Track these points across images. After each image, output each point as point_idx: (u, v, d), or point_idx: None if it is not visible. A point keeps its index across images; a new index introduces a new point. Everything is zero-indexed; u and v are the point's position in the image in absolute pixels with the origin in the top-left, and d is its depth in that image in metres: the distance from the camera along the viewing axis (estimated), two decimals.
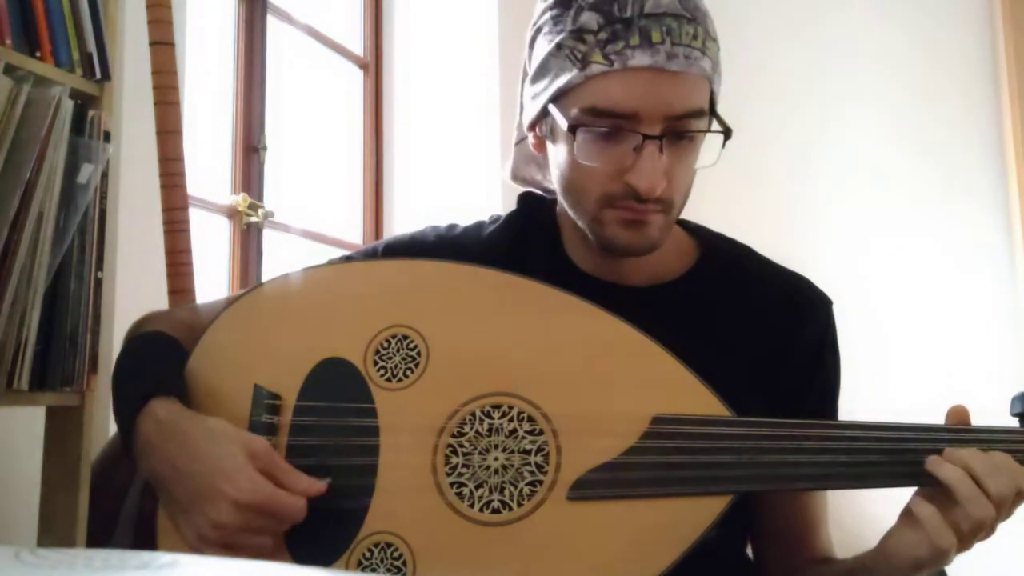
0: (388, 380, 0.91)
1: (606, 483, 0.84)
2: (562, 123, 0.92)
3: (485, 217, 1.12)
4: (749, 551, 1.08)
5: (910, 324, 2.63)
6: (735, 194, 2.47)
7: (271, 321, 0.97)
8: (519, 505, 0.85)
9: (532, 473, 0.86)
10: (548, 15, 0.94)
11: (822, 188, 2.78)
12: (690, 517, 0.83)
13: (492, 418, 0.88)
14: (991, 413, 0.92)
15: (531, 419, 0.88)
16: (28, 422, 1.12)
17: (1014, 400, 0.88)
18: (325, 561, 0.86)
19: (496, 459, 0.87)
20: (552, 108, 0.94)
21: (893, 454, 0.84)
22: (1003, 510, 0.81)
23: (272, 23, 2.29)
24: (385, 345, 0.92)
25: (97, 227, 1.06)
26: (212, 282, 2.05)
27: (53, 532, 1.04)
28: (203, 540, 0.83)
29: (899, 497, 0.87)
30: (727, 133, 0.92)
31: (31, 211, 0.97)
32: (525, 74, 1.01)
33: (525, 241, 1.06)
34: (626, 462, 0.85)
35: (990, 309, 2.58)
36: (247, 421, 0.90)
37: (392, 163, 2.65)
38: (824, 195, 2.77)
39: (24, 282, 0.97)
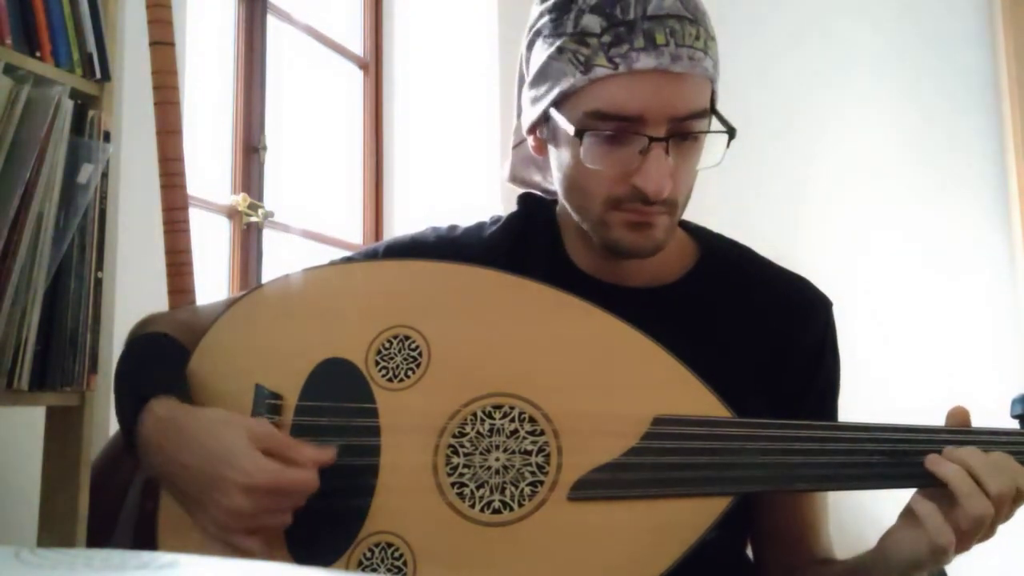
0: (389, 380, 0.91)
1: (607, 483, 0.84)
2: (566, 127, 0.92)
3: (485, 218, 1.12)
4: (749, 552, 1.08)
5: (910, 325, 2.63)
6: (734, 195, 2.47)
7: (272, 321, 0.97)
8: (520, 505, 0.85)
9: (533, 473, 0.86)
10: (546, 19, 0.94)
11: (822, 188, 2.78)
12: (691, 518, 0.83)
13: (493, 418, 0.88)
14: (991, 415, 0.92)
15: (532, 419, 0.88)
16: (28, 422, 1.12)
17: (1014, 402, 0.88)
18: (325, 561, 0.86)
19: (497, 459, 0.87)
20: (554, 112, 0.93)
21: (893, 455, 0.84)
22: (1003, 510, 0.81)
23: (272, 23, 2.29)
24: (386, 345, 0.92)
25: (97, 227, 1.06)
26: (212, 282, 2.05)
27: (53, 532, 1.04)
28: (223, 530, 0.83)
29: (899, 497, 0.87)
30: (731, 132, 0.92)
31: (31, 211, 0.97)
32: (523, 78, 1.00)
33: (526, 242, 1.06)
34: (627, 463, 0.85)
35: (990, 310, 2.58)
36: None
37: (392, 163, 2.65)
38: (824, 195, 2.77)
39: (24, 282, 0.97)
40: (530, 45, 0.97)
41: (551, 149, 0.98)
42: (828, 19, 2.82)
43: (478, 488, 0.86)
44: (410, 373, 0.91)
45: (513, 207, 1.12)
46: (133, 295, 1.32)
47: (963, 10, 2.69)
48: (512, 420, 0.88)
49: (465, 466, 0.87)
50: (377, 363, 0.92)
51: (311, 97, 2.49)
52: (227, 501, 0.81)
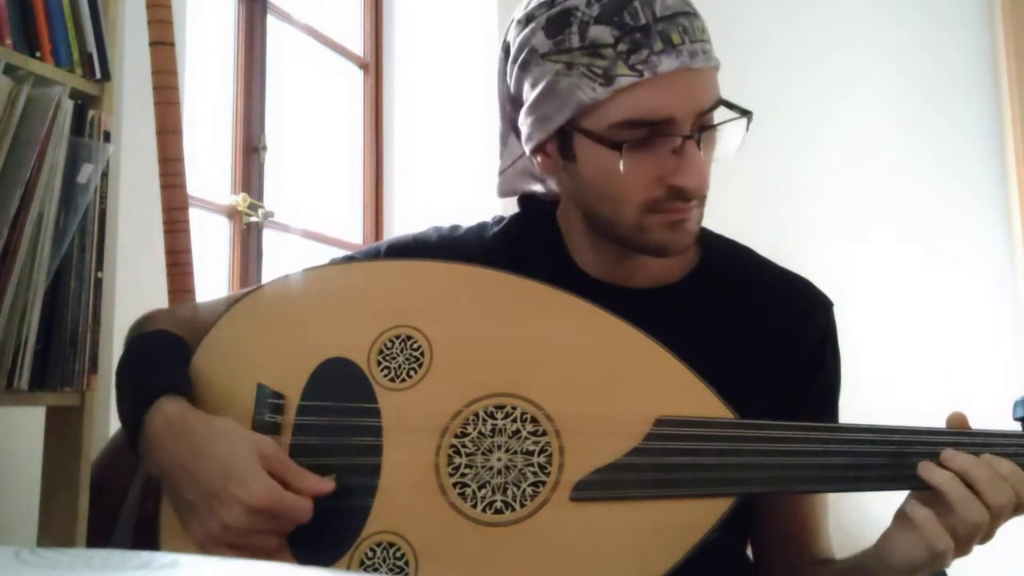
0: (391, 380, 0.91)
1: (609, 484, 0.84)
2: (593, 142, 0.91)
3: (487, 218, 1.12)
4: (749, 552, 1.08)
5: (911, 326, 2.63)
6: (734, 195, 2.47)
7: (274, 320, 0.97)
8: (522, 506, 0.85)
9: (535, 474, 0.86)
10: (540, 37, 0.92)
11: (821, 189, 2.78)
12: (692, 519, 0.83)
13: (495, 419, 0.88)
14: (993, 417, 0.92)
15: (534, 420, 0.87)
16: (28, 422, 1.12)
17: (1016, 404, 0.87)
18: (327, 561, 0.86)
19: (499, 460, 0.87)
20: (574, 129, 0.92)
21: (893, 457, 0.84)
22: (1003, 515, 0.81)
23: (272, 23, 2.28)
24: (389, 345, 0.92)
25: (97, 227, 1.06)
26: (212, 282, 2.05)
27: (53, 532, 1.04)
28: (211, 539, 0.83)
29: (900, 498, 0.87)
30: (748, 115, 0.93)
31: (31, 211, 0.97)
32: (516, 100, 0.98)
33: (528, 242, 1.06)
34: (629, 463, 0.85)
35: (991, 310, 2.58)
36: (250, 420, 0.90)
37: (392, 163, 2.65)
38: (824, 196, 2.77)
39: (24, 282, 0.97)
40: (524, 66, 0.94)
41: (566, 166, 0.96)
42: (828, 19, 2.82)
43: (480, 488, 0.86)
44: (412, 373, 0.91)
45: (514, 208, 1.12)
46: (133, 295, 1.32)
47: (963, 9, 2.69)
48: (514, 420, 0.88)
49: (467, 466, 0.87)
50: (379, 363, 0.92)
51: (311, 97, 2.49)
52: (226, 515, 0.81)
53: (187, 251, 1.22)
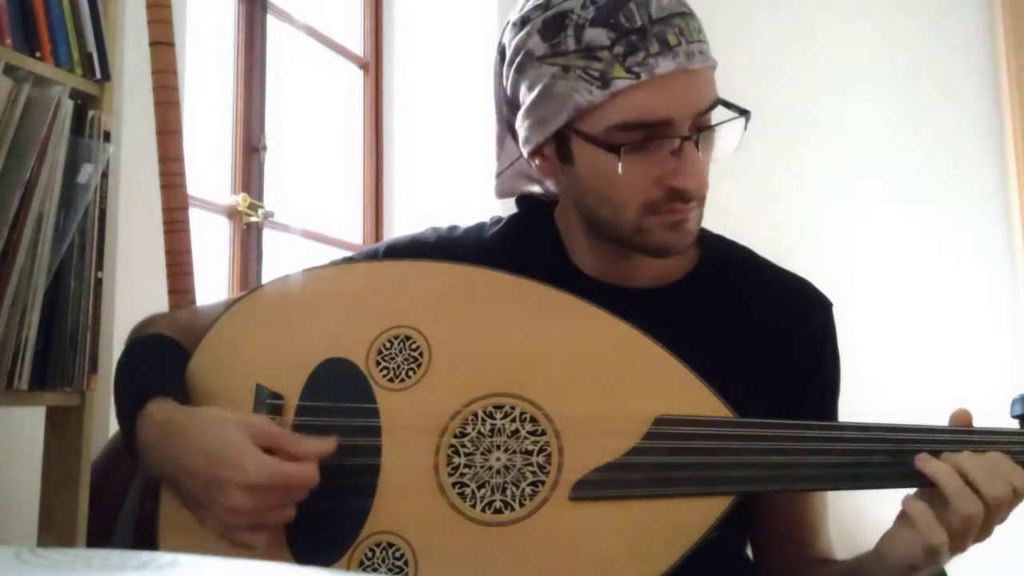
0: (390, 380, 0.91)
1: (608, 483, 0.84)
2: (590, 144, 0.91)
3: (486, 218, 1.12)
4: (749, 552, 1.08)
5: (910, 325, 2.62)
6: (734, 196, 2.47)
7: (273, 321, 0.97)
8: (521, 505, 0.85)
9: (534, 473, 0.86)
10: (536, 39, 0.92)
11: (821, 189, 2.77)
12: (692, 518, 0.83)
13: (494, 418, 0.88)
14: (991, 414, 0.92)
15: (533, 419, 0.88)
16: (28, 422, 1.12)
17: (1014, 402, 0.88)
18: (326, 561, 0.86)
19: (498, 459, 0.87)
20: (572, 132, 0.92)
21: (892, 455, 0.84)
22: (999, 512, 0.81)
23: (272, 23, 2.29)
24: (387, 345, 0.92)
25: (97, 227, 1.06)
26: (212, 282, 2.05)
27: (53, 532, 1.04)
28: (226, 528, 0.83)
29: (900, 498, 0.87)
30: (746, 114, 0.93)
31: (31, 211, 0.97)
32: (512, 103, 0.98)
33: (526, 243, 1.06)
34: (628, 463, 0.85)
35: (991, 310, 2.58)
36: None
37: (392, 163, 2.65)
38: (823, 196, 2.77)
39: (24, 282, 0.97)
40: (520, 68, 0.94)
41: (564, 167, 0.96)
42: (828, 19, 2.82)
43: (479, 488, 0.86)
44: (411, 373, 0.91)
45: (513, 209, 1.12)
46: (133, 295, 1.32)
47: (963, 10, 2.69)
48: (513, 420, 0.88)
49: (466, 466, 0.87)
50: (378, 363, 0.92)
51: (311, 97, 2.49)
52: (227, 500, 0.81)
53: (187, 251, 1.22)
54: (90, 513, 1.04)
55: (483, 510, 0.85)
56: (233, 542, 0.83)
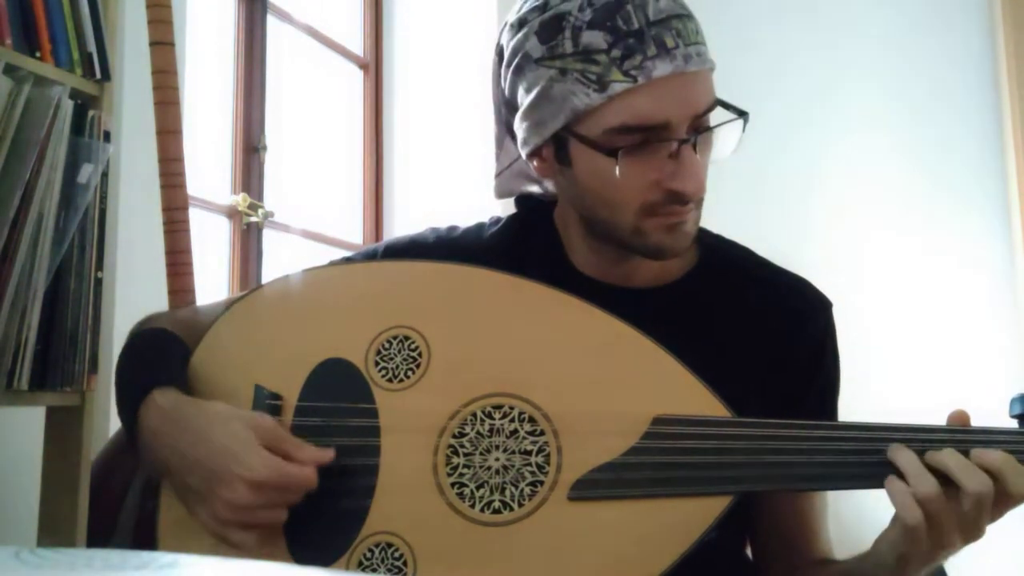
0: (389, 381, 0.91)
1: (607, 483, 0.84)
2: (589, 148, 0.91)
3: (485, 218, 1.12)
4: (749, 551, 1.08)
5: (910, 325, 2.62)
6: (734, 197, 2.47)
7: (272, 321, 0.97)
8: (520, 505, 0.85)
9: (533, 473, 0.86)
10: (533, 41, 0.92)
11: (821, 190, 2.77)
12: (691, 517, 0.83)
13: (493, 419, 0.88)
14: (991, 414, 0.92)
15: (532, 420, 0.88)
16: (28, 422, 1.12)
17: (1013, 401, 0.88)
18: (325, 561, 0.86)
19: (497, 459, 0.87)
20: (569, 134, 0.92)
21: None
22: (981, 506, 0.80)
23: (272, 23, 2.29)
24: (386, 346, 0.92)
25: (97, 227, 1.06)
26: (212, 282, 2.05)
27: (53, 532, 1.04)
28: (219, 521, 0.84)
29: None
30: (744, 116, 0.93)
31: (31, 211, 0.97)
32: (511, 104, 0.98)
33: (525, 243, 1.06)
34: (627, 462, 0.85)
35: (990, 310, 2.58)
36: None
37: (392, 163, 2.65)
38: (823, 197, 2.77)
39: (24, 282, 0.97)
40: (518, 70, 0.94)
41: (562, 169, 0.96)
42: (828, 20, 2.82)
43: (478, 488, 0.86)
44: (410, 373, 0.91)
45: (512, 209, 1.12)
46: (133, 295, 1.32)
47: (963, 11, 2.69)
48: (512, 420, 0.88)
49: (465, 466, 0.87)
50: (377, 363, 0.92)
51: (311, 97, 2.49)
52: (230, 494, 0.82)
53: (187, 251, 1.22)
54: (90, 513, 1.04)
55: (482, 510, 0.85)
56: (224, 538, 0.84)
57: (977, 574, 1.30)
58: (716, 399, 0.87)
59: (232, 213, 2.12)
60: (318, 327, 0.95)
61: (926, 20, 2.73)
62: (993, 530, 0.84)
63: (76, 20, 1.05)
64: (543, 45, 0.91)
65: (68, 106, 1.01)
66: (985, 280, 2.59)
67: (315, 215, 2.40)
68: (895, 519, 0.83)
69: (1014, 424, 0.87)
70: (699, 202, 0.94)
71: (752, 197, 2.68)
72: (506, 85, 0.98)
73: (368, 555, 0.85)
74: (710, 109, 0.91)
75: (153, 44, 1.21)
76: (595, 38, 0.88)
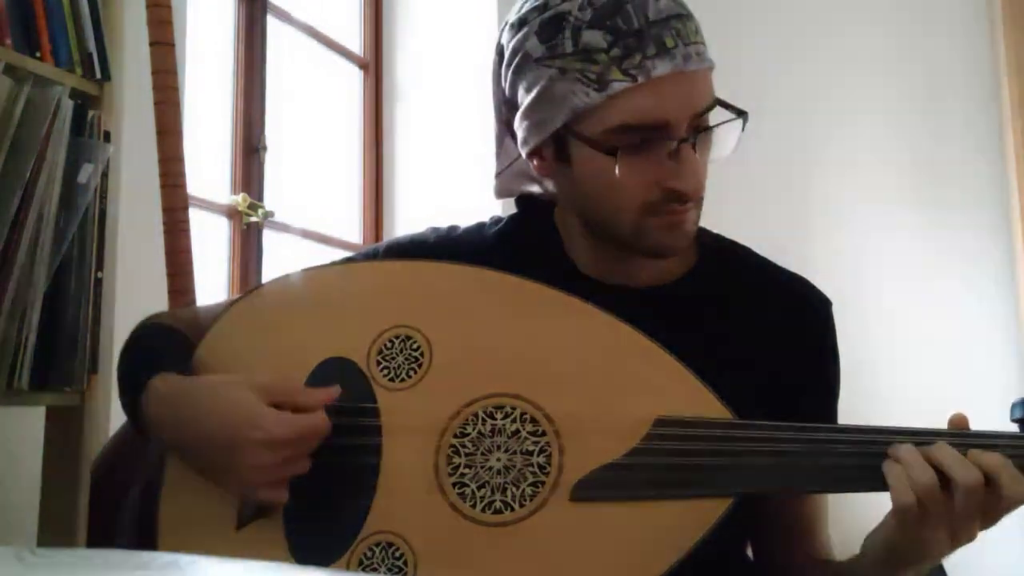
0: (391, 380, 0.91)
1: (608, 484, 0.84)
2: (589, 147, 0.91)
3: (486, 218, 1.12)
4: (749, 552, 1.08)
5: (910, 328, 2.62)
6: (734, 197, 2.47)
7: (273, 321, 0.97)
8: (521, 506, 0.85)
9: (534, 474, 0.86)
10: (533, 41, 0.92)
11: (821, 191, 2.78)
12: (692, 519, 0.83)
13: (495, 419, 0.88)
14: (991, 418, 0.92)
15: (534, 420, 0.88)
16: (28, 422, 1.12)
17: (1014, 406, 0.88)
18: (326, 560, 0.86)
19: (499, 460, 0.87)
20: (569, 134, 0.92)
21: None
22: (968, 500, 0.80)
23: (272, 23, 2.29)
24: (388, 345, 0.92)
25: (97, 227, 1.07)
26: (212, 282, 2.05)
27: (53, 532, 1.04)
28: (250, 488, 0.85)
29: None
30: (743, 116, 0.93)
31: (31, 211, 0.97)
32: (511, 104, 0.98)
33: (526, 243, 1.06)
34: (628, 463, 0.85)
35: (990, 313, 2.58)
36: None
37: (392, 163, 2.65)
38: (824, 198, 2.77)
39: (24, 282, 0.97)
40: (518, 70, 0.94)
41: (562, 169, 0.96)
42: (828, 20, 2.82)
43: (479, 488, 0.86)
44: (412, 373, 0.91)
45: (513, 209, 1.12)
46: (133, 295, 1.32)
47: (963, 10, 2.69)
48: (513, 420, 0.88)
49: (466, 466, 0.87)
50: (379, 363, 0.92)
51: (311, 97, 2.49)
52: (253, 459, 0.83)
53: (187, 251, 1.22)
54: (90, 512, 1.04)
55: (483, 510, 0.85)
56: (260, 501, 0.86)
57: (977, 574, 1.30)
58: (717, 400, 0.87)
59: (232, 213, 2.12)
60: (320, 326, 0.95)
61: (926, 20, 2.73)
62: (993, 530, 0.84)
63: (76, 20, 1.05)
64: (543, 45, 0.91)
65: (68, 106, 1.01)
66: (985, 282, 2.60)
67: (315, 215, 2.40)
68: (889, 512, 0.83)
69: (1015, 428, 0.87)
70: (699, 201, 0.94)
71: (752, 196, 2.68)
72: (506, 85, 0.98)
73: (368, 555, 0.85)
74: (709, 108, 0.91)
75: (153, 44, 1.21)
76: (595, 38, 0.88)
